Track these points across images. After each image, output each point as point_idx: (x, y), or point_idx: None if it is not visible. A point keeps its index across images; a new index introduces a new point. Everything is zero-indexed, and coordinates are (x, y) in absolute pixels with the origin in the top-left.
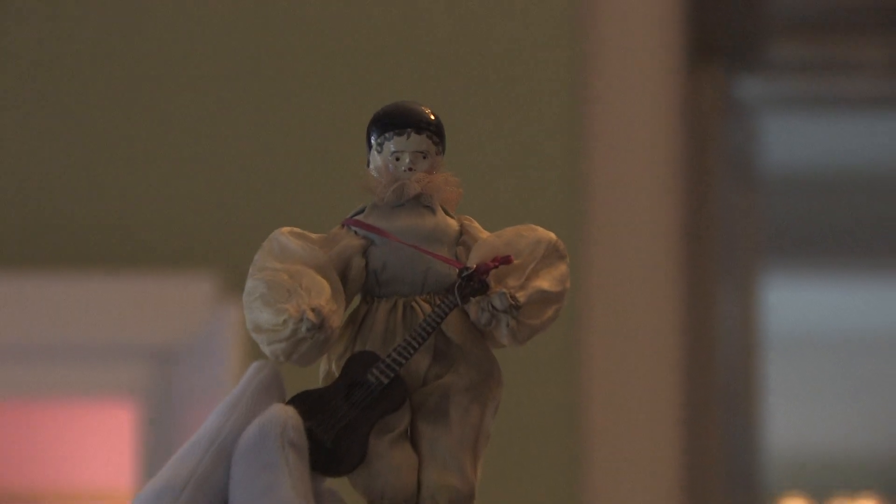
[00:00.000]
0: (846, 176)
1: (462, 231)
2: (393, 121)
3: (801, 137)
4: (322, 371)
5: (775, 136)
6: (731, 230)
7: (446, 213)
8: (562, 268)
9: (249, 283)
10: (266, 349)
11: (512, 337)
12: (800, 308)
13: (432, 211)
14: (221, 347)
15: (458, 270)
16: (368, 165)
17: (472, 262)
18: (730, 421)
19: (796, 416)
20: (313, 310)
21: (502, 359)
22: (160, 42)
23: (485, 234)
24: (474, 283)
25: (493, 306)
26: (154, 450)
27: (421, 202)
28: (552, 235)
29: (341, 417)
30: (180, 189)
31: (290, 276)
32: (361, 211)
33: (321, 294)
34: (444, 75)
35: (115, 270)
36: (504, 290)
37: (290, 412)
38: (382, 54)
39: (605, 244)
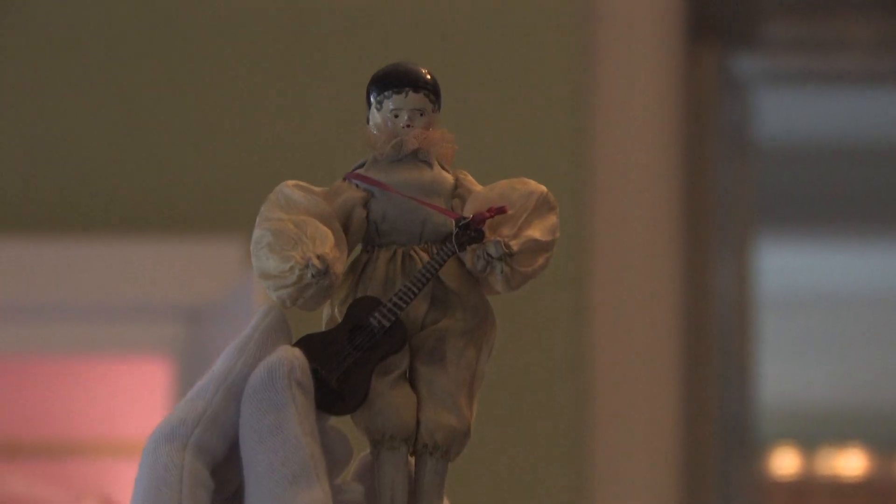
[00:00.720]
0: (837, 147)
1: (457, 184)
2: (391, 80)
3: (794, 111)
4: (325, 316)
5: (770, 110)
6: (728, 198)
7: (442, 167)
8: (552, 218)
9: (257, 233)
10: (273, 295)
11: (505, 283)
12: (791, 270)
13: (429, 165)
14: (248, 307)
15: (454, 220)
16: (368, 122)
17: (468, 213)
18: (725, 376)
19: (787, 372)
20: (318, 257)
21: (511, 309)
22: (190, 12)
23: (479, 187)
24: (471, 231)
25: (488, 254)
26: None
27: (418, 157)
28: (543, 188)
29: (345, 359)
30: (210, 158)
31: (295, 226)
32: (362, 165)
33: (325, 242)
34: (453, 42)
35: (149, 235)
36: (499, 238)
37: (297, 354)
38: (395, 22)
39: (607, 211)
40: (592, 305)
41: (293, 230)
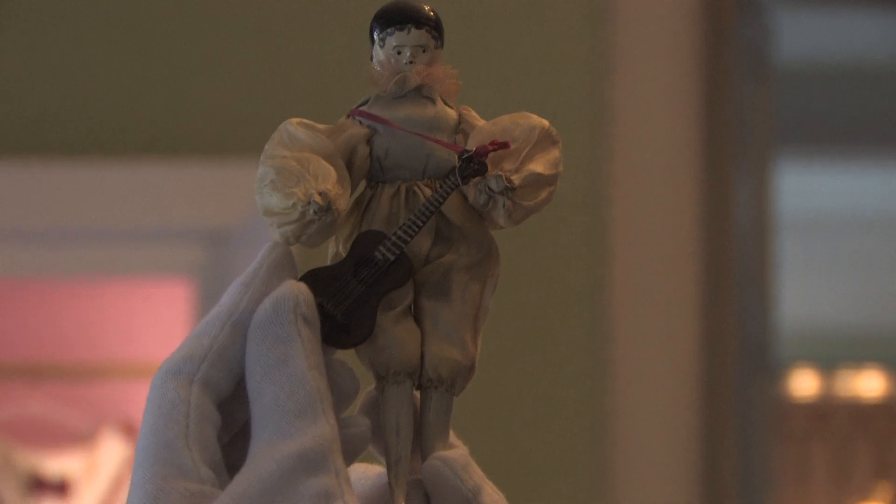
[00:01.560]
0: (856, 68)
1: (461, 120)
2: (394, 17)
3: (813, 33)
4: (330, 252)
5: (788, 32)
6: (747, 120)
7: (446, 103)
8: (555, 153)
9: (260, 170)
10: (276, 231)
11: (508, 217)
12: (811, 192)
13: (432, 101)
14: (268, 229)
15: (457, 153)
16: (371, 60)
17: (471, 147)
18: (745, 298)
19: (807, 294)
20: (320, 193)
21: (529, 236)
22: None
23: (482, 122)
24: (473, 164)
25: (489, 188)
26: None
27: (422, 93)
28: (545, 122)
29: (350, 293)
30: (232, 81)
31: (298, 163)
32: (365, 102)
33: (328, 179)
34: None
35: (170, 158)
36: (500, 172)
37: (302, 288)
38: None
39: (627, 135)
40: (611, 230)
41: (296, 167)
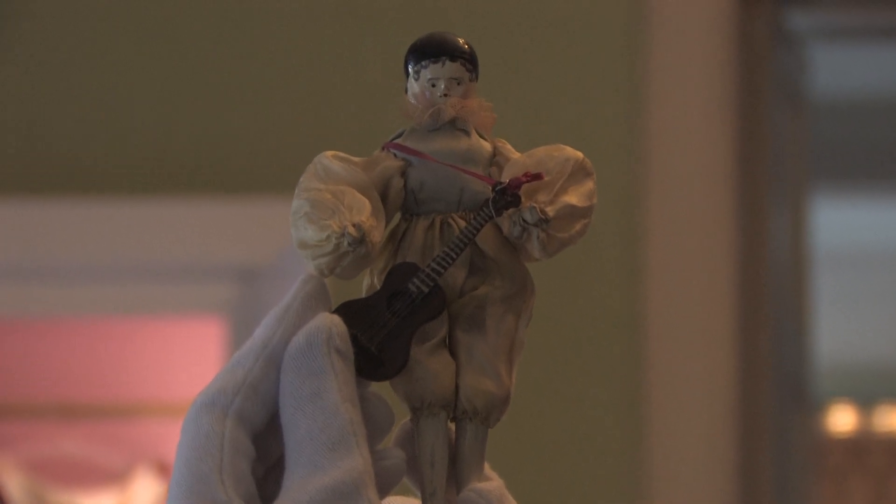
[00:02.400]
0: (891, 102)
1: (495, 152)
2: (428, 50)
3: (848, 66)
4: (365, 284)
5: (824, 65)
6: (783, 153)
7: (481, 136)
8: (589, 184)
9: (295, 203)
10: (311, 264)
11: (542, 249)
12: (847, 226)
13: (467, 134)
14: (302, 267)
15: (491, 185)
16: (406, 92)
17: (505, 179)
18: (781, 332)
19: (844, 328)
20: (354, 225)
21: (566, 267)
22: None
23: (517, 154)
24: (507, 196)
25: (524, 220)
26: None
27: (456, 126)
28: (580, 154)
29: (384, 325)
30: (263, 117)
31: (332, 195)
32: (400, 135)
33: (362, 211)
34: (505, 9)
35: (204, 195)
36: (534, 204)
37: (336, 320)
38: None
39: (663, 167)
40: (648, 263)
41: (330, 200)
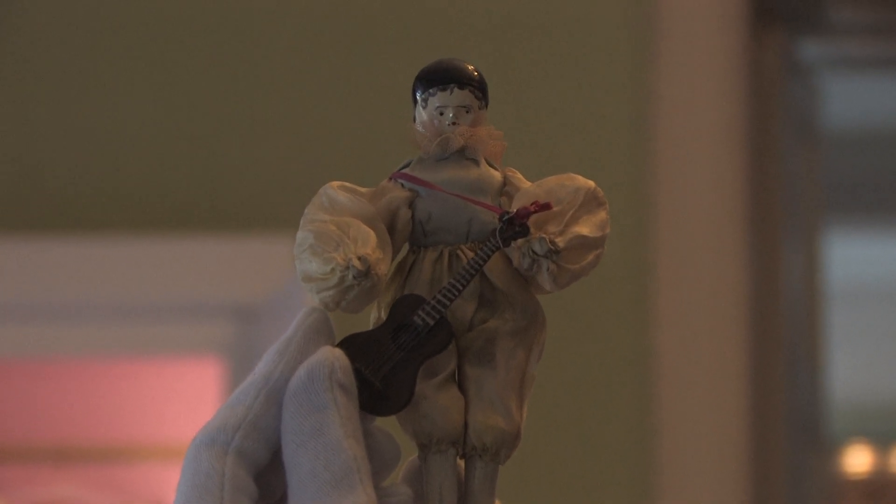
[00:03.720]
0: None
1: (505, 182)
2: (436, 77)
3: (862, 97)
4: (372, 318)
5: (837, 97)
6: (794, 187)
7: (490, 165)
8: (601, 214)
9: (300, 235)
10: (316, 297)
11: (553, 281)
12: (862, 260)
13: (476, 163)
14: (300, 305)
15: (498, 215)
16: (414, 121)
17: (514, 209)
18: (794, 371)
19: (859, 366)
20: (359, 258)
21: (572, 304)
22: (244, 19)
23: (527, 183)
24: (514, 226)
25: (533, 251)
26: None
27: (465, 155)
28: (591, 183)
29: (389, 359)
30: (262, 153)
31: (337, 227)
32: (408, 165)
33: (367, 243)
34: (508, 32)
35: (199, 232)
36: (544, 235)
37: (338, 354)
38: (443, 16)
39: (671, 201)
40: (656, 299)
41: (335, 232)
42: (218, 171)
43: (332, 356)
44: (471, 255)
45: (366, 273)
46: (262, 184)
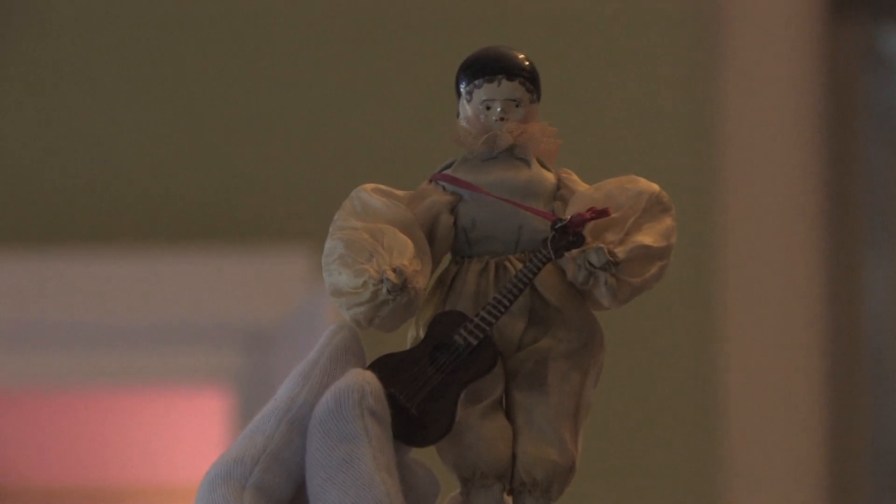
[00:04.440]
0: None
1: (560, 184)
2: (483, 67)
3: None
4: (410, 337)
5: None
6: (879, 195)
7: (543, 165)
8: (666, 221)
9: (328, 244)
10: (346, 314)
11: (612, 296)
12: None
13: (527, 163)
14: (318, 329)
15: (551, 223)
16: (458, 116)
17: (568, 215)
18: (880, 406)
19: None
20: (395, 270)
21: (625, 327)
22: (254, 19)
23: (584, 186)
24: (568, 235)
25: (589, 262)
26: None
27: (514, 154)
28: (655, 187)
29: (426, 382)
30: (273, 156)
31: (370, 235)
32: (450, 165)
33: (403, 253)
34: (563, 20)
35: (202, 246)
36: (602, 245)
37: (369, 377)
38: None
39: (740, 209)
40: (721, 323)
41: (368, 240)
42: (225, 176)
43: (361, 380)
44: (520, 266)
45: (402, 287)
46: (275, 190)
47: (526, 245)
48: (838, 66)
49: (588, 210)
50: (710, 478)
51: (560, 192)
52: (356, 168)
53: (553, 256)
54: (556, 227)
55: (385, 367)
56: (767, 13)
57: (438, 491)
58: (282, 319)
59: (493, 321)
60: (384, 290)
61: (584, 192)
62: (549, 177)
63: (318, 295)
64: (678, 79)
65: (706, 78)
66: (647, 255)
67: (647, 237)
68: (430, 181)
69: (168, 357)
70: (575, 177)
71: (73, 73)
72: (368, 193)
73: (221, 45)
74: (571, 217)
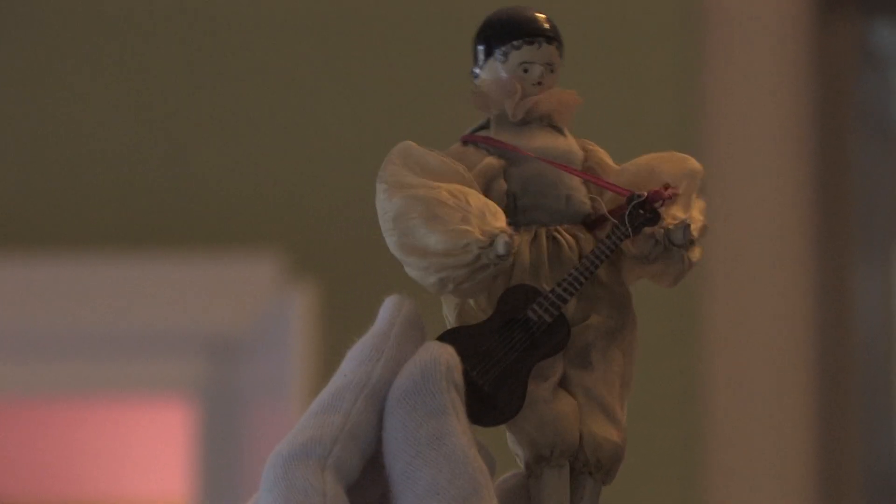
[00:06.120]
0: None
1: (586, 156)
2: (521, 27)
3: None
4: (453, 306)
5: None
6: (869, 195)
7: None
8: (702, 202)
9: (398, 202)
10: (430, 277)
11: (681, 275)
12: None
13: (560, 132)
14: (288, 337)
15: (626, 197)
16: (476, 78)
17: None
18: (870, 417)
19: None
20: (510, 235)
21: None
22: (233, 18)
23: (611, 160)
24: (646, 211)
25: (670, 240)
26: (211, 455)
27: (546, 121)
28: (700, 165)
29: (499, 359)
30: (239, 158)
31: (451, 194)
32: (482, 127)
33: (497, 216)
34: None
35: (163, 251)
36: (686, 221)
37: (451, 351)
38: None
39: (727, 214)
40: (709, 325)
41: (451, 200)
42: (189, 179)
43: (446, 352)
44: (569, 237)
45: (508, 253)
46: (241, 194)
47: (572, 216)
48: (829, 63)
49: (664, 187)
50: (696, 483)
51: (587, 164)
52: (324, 173)
53: (631, 233)
54: (634, 202)
55: (455, 342)
56: (758, 9)
57: (496, 469)
58: (248, 327)
59: (569, 298)
60: (491, 255)
61: (626, 166)
62: (578, 146)
63: (286, 303)
64: (667, 76)
65: (695, 74)
66: (705, 235)
67: (704, 217)
68: (466, 143)
69: (130, 366)
70: (598, 148)
71: (39, 78)
72: (419, 150)
73: (189, 50)
74: (648, 194)
